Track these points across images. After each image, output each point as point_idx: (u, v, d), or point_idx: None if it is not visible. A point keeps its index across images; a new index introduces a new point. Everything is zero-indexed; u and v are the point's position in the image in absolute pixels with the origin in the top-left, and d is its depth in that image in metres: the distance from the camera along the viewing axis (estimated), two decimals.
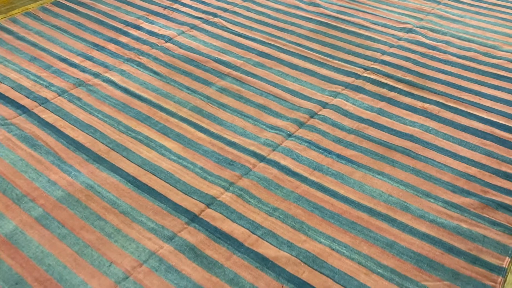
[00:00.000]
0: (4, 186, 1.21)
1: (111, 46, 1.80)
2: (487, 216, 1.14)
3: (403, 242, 1.08)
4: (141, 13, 2.05)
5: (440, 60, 1.75)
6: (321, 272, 1.01)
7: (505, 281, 1.01)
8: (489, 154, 1.33)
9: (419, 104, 1.52)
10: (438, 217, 1.14)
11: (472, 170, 1.27)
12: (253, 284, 0.99)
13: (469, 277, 1.01)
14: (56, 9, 2.06)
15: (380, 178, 1.25)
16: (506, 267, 1.03)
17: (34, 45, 1.80)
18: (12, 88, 1.55)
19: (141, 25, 1.96)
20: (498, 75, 1.67)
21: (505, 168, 1.28)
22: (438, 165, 1.29)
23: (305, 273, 1.01)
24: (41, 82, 1.59)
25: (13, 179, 1.22)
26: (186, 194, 1.19)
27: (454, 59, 1.76)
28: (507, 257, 1.05)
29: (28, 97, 1.51)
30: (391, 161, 1.30)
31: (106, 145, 1.34)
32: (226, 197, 1.19)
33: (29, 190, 1.19)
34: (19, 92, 1.53)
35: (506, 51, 1.81)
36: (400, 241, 1.08)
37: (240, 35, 1.90)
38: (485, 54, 1.79)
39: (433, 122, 1.44)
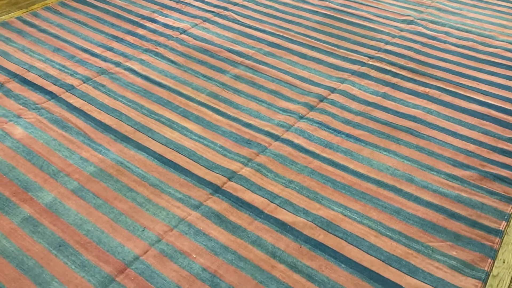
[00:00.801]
0: (41, 163, 1.31)
1: (130, 38, 1.91)
2: (485, 187, 1.25)
3: (409, 209, 1.19)
4: (155, 7, 2.16)
5: (440, 49, 1.86)
6: (335, 235, 1.12)
7: (502, 241, 1.11)
8: (486, 132, 1.44)
9: (421, 89, 1.63)
10: (441, 187, 1.25)
11: (471, 147, 1.38)
12: (274, 245, 1.09)
13: (469, 238, 1.11)
14: (74, 4, 2.16)
15: (386, 154, 1.35)
16: (503, 229, 1.13)
17: (56, 37, 1.90)
18: (39, 76, 1.66)
19: (156, 18, 2.06)
20: (494, 62, 1.78)
21: (501, 145, 1.39)
22: (439, 143, 1.39)
23: (321, 236, 1.12)
24: (66, 70, 1.69)
25: (48, 157, 1.33)
26: (208, 169, 1.30)
27: (453, 48, 1.87)
28: (504, 221, 1.15)
29: (55, 84, 1.62)
30: (396, 139, 1.41)
31: (131, 127, 1.44)
32: (246, 171, 1.29)
33: (63, 166, 1.30)
34: (46, 80, 1.64)
35: (502, 41, 1.92)
36: (406, 208, 1.19)
37: (250, 27, 2.01)
38: (482, 43, 1.90)
39: (434, 105, 1.55)
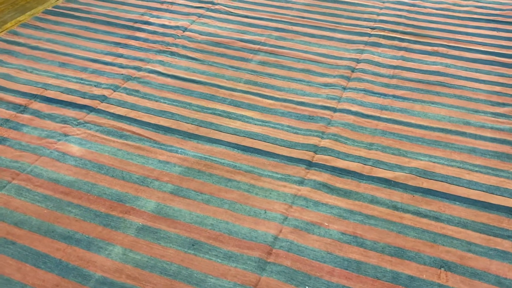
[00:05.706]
0: (120, 174, 1.24)
1: (134, 42, 1.84)
2: None
3: (480, 146, 1.33)
4: (142, 10, 2.09)
5: (424, 14, 2.05)
6: (435, 180, 1.22)
7: None
8: (501, 75, 1.63)
9: (429, 48, 1.79)
10: (494, 124, 1.41)
11: (497, 88, 1.57)
12: (390, 200, 1.17)
13: None
14: (52, 17, 2.01)
15: (435, 106, 1.49)
16: None
17: (53, 52, 1.77)
18: (61, 92, 1.54)
19: (149, 20, 2.00)
20: (473, 18, 2.01)
21: None
22: (471, 89, 1.56)
23: (424, 183, 1.21)
24: (87, 83, 1.59)
25: (123, 167, 1.26)
26: (290, 147, 1.33)
27: (434, 11, 2.07)
28: None
29: (84, 98, 1.52)
30: (436, 92, 1.55)
31: (191, 124, 1.42)
32: (326, 143, 1.34)
33: (147, 173, 1.24)
34: (71, 95, 1.53)
35: (469, 0, 2.16)
36: (478, 146, 1.33)
37: (246, 16, 2.04)
38: (454, 4, 2.13)
39: (448, 60, 1.72)
